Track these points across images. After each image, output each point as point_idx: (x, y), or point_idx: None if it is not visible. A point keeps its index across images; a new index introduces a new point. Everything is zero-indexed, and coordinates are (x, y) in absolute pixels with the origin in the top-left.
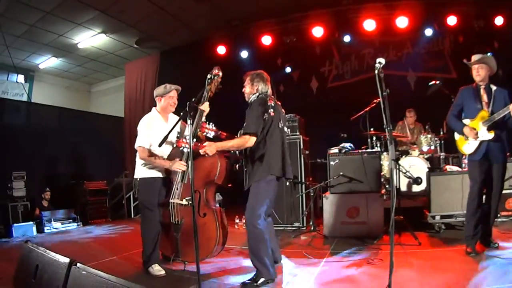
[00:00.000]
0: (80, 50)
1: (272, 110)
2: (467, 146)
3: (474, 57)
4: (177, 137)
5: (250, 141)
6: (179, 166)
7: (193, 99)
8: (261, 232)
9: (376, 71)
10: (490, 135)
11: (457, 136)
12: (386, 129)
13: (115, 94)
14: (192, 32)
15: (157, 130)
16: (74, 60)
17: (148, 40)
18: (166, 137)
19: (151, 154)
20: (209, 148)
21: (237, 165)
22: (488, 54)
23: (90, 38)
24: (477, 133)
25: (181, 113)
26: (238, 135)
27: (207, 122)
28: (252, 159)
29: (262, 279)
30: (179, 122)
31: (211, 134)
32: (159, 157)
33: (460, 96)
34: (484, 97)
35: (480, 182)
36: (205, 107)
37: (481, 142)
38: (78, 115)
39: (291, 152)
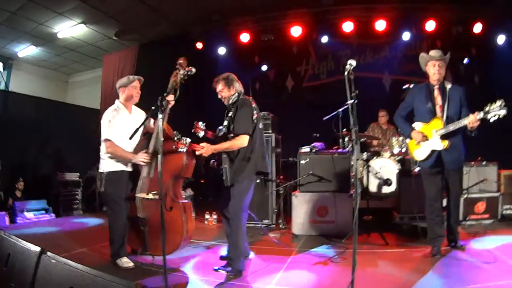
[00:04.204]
0: (60, 40)
1: (255, 111)
2: (418, 151)
3: (434, 52)
4: (177, 138)
5: (245, 140)
6: (141, 157)
7: (164, 94)
8: (243, 225)
9: (346, 72)
10: (443, 145)
11: (408, 139)
12: (352, 130)
13: (93, 85)
14: (171, 26)
15: (121, 121)
16: (53, 50)
17: (128, 32)
18: (137, 130)
19: (116, 146)
20: (204, 151)
21: (213, 161)
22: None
23: (70, 28)
24: (426, 138)
25: (152, 108)
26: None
27: (199, 122)
28: (239, 158)
29: (234, 269)
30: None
31: (201, 134)
32: (123, 149)
33: (410, 96)
34: (438, 99)
35: (435, 186)
36: (170, 98)
37: (433, 151)
38: (55, 105)
39: None
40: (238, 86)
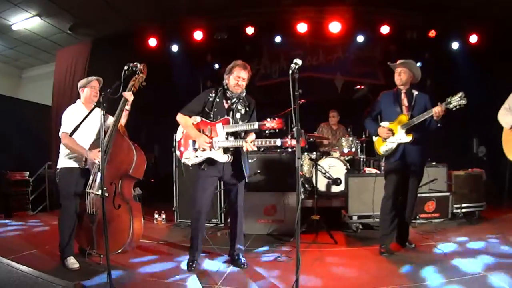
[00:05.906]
0: (14, 32)
1: None
2: (384, 147)
3: (398, 61)
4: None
5: None
6: (94, 156)
7: (108, 90)
8: None
9: (291, 71)
10: (408, 138)
11: (374, 137)
12: (294, 129)
13: (46, 81)
14: (126, 21)
15: (79, 120)
16: (7, 42)
17: (82, 26)
18: (78, 126)
19: (71, 139)
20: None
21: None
22: (418, 64)
23: (25, 21)
24: (392, 132)
25: (95, 103)
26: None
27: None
28: (245, 153)
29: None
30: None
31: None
32: (78, 143)
33: (380, 101)
34: (405, 101)
35: (395, 183)
36: (129, 96)
37: (399, 144)
38: (7, 101)
39: None
40: None
